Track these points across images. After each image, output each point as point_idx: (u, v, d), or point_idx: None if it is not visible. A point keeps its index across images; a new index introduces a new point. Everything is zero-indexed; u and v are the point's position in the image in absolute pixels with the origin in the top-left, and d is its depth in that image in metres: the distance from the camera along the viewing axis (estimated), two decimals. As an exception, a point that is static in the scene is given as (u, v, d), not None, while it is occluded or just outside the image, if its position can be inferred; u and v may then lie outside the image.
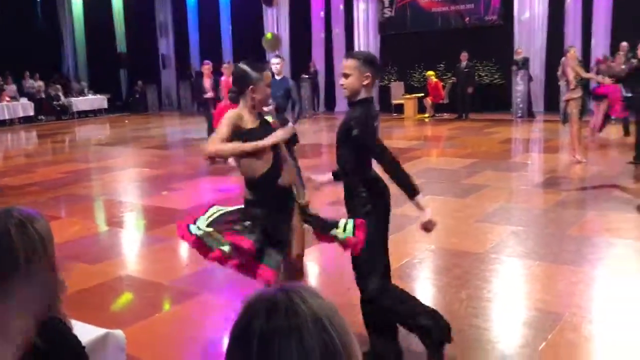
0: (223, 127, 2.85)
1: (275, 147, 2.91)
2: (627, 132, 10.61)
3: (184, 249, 5.71)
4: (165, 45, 22.65)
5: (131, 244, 5.92)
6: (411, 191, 2.87)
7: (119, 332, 2.07)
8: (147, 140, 13.86)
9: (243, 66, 2.89)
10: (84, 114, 20.57)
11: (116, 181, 9.16)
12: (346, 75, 2.93)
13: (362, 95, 2.96)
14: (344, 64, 2.96)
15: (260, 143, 2.86)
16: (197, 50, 21.53)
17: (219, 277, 4.72)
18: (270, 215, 2.93)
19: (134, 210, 7.22)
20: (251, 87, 2.84)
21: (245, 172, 2.97)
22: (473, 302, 4.00)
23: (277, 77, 7.15)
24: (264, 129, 2.95)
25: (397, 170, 2.89)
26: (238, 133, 2.87)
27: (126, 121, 19.11)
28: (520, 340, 3.45)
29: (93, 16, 23.31)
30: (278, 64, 7.12)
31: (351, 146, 2.92)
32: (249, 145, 2.85)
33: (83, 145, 14.33)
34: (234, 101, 2.95)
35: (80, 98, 20.85)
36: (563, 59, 9.13)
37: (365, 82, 2.93)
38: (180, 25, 21.92)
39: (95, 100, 21.13)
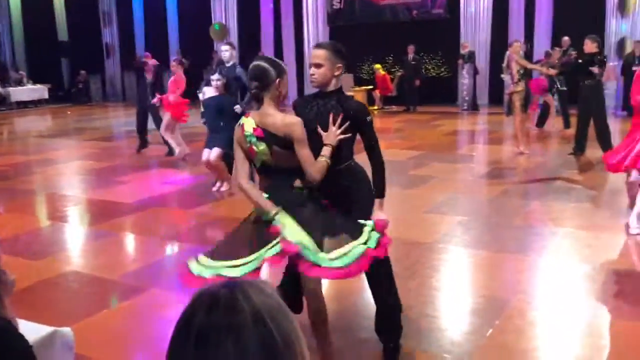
0: (307, 146, 2.73)
1: None
2: (567, 125, 10.97)
3: (131, 243, 5.59)
4: (109, 34, 22.01)
5: (76, 239, 5.75)
6: (383, 192, 3.06)
7: (67, 330, 2.00)
8: (91, 132, 13.47)
9: (263, 63, 2.78)
10: (24, 105, 19.79)
11: (59, 174, 8.87)
12: (318, 65, 2.92)
13: (334, 85, 2.97)
14: (316, 54, 2.94)
15: (332, 145, 2.84)
16: (143, 40, 21.01)
17: (168, 272, 4.64)
18: None
19: (79, 204, 7.00)
20: (278, 80, 2.77)
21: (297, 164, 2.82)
22: (423, 291, 4.07)
23: (227, 64, 7.16)
24: None
25: (383, 165, 3.06)
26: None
27: (68, 112, 18.51)
28: (469, 327, 3.53)
29: (31, 2, 22.40)
30: (227, 50, 7.17)
31: (355, 133, 2.98)
32: (328, 153, 2.83)
33: (23, 137, 13.81)
34: (257, 99, 2.81)
35: (19, 88, 20.04)
36: (508, 52, 9.37)
37: (337, 73, 2.95)
38: (124, 14, 21.33)
39: (35, 91, 20.34)
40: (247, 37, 18.54)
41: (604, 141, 8.31)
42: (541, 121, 11.39)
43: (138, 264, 4.78)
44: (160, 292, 4.20)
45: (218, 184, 7.28)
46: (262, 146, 2.76)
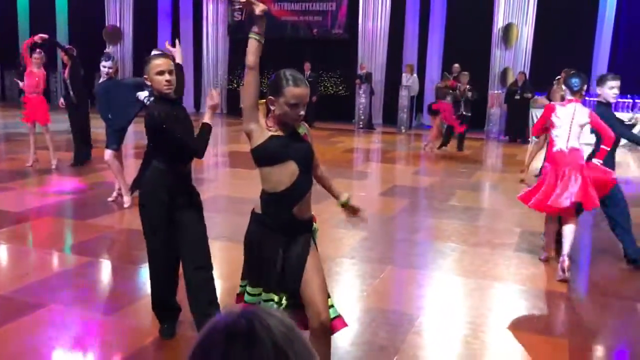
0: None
1: None
2: (461, 148, 11.56)
3: (21, 255, 5.18)
4: (-12, 29, 20.42)
5: (-45, 250, 5.23)
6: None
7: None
8: (-34, 133, 12.39)
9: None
10: None
11: None
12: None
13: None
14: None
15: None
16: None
17: (66, 286, 4.35)
18: None
19: (-44, 212, 6.39)
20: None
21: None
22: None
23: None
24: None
25: None
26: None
27: (-62, 110, 16.95)
28: (381, 342, 3.61)
29: None
30: (111, 68, 6.60)
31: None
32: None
33: None
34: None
35: None
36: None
37: None
38: (7, 7, 19.89)
39: None
40: (142, 42, 17.95)
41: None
42: (444, 142, 11.73)
43: (33, 277, 4.42)
44: (60, 308, 3.91)
45: (114, 193, 6.91)
46: None
